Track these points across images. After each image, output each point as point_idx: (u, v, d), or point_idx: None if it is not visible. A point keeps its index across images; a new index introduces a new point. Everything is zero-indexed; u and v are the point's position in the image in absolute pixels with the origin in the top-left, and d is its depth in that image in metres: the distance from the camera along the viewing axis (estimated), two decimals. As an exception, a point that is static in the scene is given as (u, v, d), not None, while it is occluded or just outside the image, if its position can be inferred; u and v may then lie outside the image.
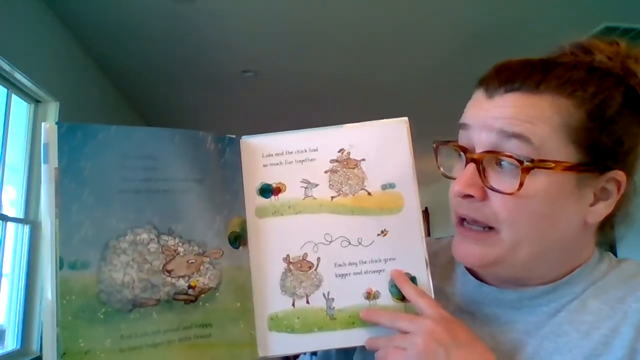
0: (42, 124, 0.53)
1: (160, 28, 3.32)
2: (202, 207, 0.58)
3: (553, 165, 0.54)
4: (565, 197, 0.56)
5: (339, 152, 0.64)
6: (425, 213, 8.22)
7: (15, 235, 2.92)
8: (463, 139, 0.60)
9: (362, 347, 0.69)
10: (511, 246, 0.57)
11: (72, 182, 0.52)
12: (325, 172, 0.64)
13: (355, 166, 0.64)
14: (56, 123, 0.53)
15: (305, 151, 0.64)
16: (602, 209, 0.57)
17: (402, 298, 0.61)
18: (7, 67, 2.66)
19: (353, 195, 0.63)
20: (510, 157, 0.54)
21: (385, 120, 0.65)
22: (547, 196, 0.55)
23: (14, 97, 2.91)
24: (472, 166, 0.57)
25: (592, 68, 0.57)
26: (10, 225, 2.88)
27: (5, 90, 2.83)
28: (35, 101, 3.09)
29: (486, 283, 0.65)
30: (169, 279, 0.55)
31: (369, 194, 0.63)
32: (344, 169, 0.64)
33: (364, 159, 0.64)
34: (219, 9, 3.09)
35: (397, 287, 0.61)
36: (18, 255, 2.91)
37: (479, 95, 0.60)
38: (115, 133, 0.56)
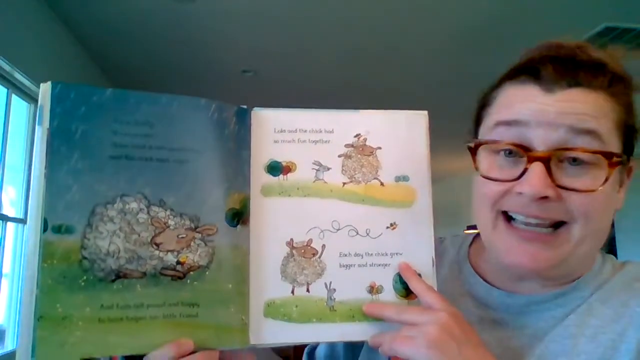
0: (41, 84, 0.51)
1: (160, 28, 3.35)
2: (199, 179, 0.55)
3: (624, 159, 0.56)
4: (615, 189, 0.58)
5: (355, 136, 0.61)
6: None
7: (15, 235, 2.93)
8: (509, 136, 0.57)
9: (367, 352, 0.67)
10: (577, 242, 0.56)
11: (62, 145, 0.51)
12: (339, 156, 0.61)
13: (371, 154, 0.61)
14: (51, 83, 0.51)
15: (321, 131, 0.61)
16: (622, 195, 0.60)
17: (406, 295, 0.59)
18: (7, 67, 2.67)
19: (365, 183, 0.60)
20: (596, 152, 0.53)
21: (405, 110, 0.63)
22: (611, 188, 0.56)
23: (14, 97, 2.92)
24: (540, 165, 0.54)
25: (608, 69, 0.59)
26: (10, 225, 2.88)
27: (5, 90, 2.84)
28: (35, 101, 3.10)
29: (495, 286, 0.64)
30: (157, 252, 0.53)
31: (382, 184, 0.61)
32: (359, 155, 0.61)
33: (380, 147, 0.61)
34: (219, 9, 3.10)
35: (401, 284, 0.59)
36: (18, 255, 2.91)
37: (528, 89, 0.57)
38: (110, 96, 0.53)
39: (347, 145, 0.61)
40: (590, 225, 0.56)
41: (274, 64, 3.93)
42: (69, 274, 0.49)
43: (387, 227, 0.60)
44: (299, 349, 0.79)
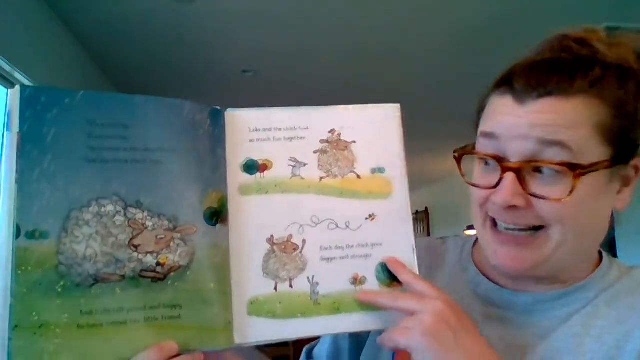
0: (8, 90, 0.51)
1: (160, 28, 3.35)
2: (175, 179, 0.55)
3: (597, 168, 0.55)
4: (602, 192, 0.57)
5: (329, 132, 0.62)
6: (426, 213, 8.26)
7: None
8: (490, 147, 0.59)
9: (371, 347, 0.69)
10: (558, 245, 0.57)
11: (33, 149, 0.50)
12: (315, 152, 0.61)
13: (346, 148, 0.62)
14: (20, 86, 0.51)
15: (295, 129, 0.62)
16: (627, 195, 0.60)
17: (389, 284, 0.59)
18: (7, 67, 2.67)
19: (342, 177, 0.61)
20: (561, 164, 0.54)
21: (377, 104, 0.64)
22: (589, 196, 0.56)
23: (14, 96, 2.92)
24: (511, 176, 0.56)
25: (604, 64, 0.58)
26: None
27: (6, 90, 2.84)
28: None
29: (499, 285, 0.65)
30: (135, 254, 0.52)
31: (359, 176, 0.61)
32: (334, 150, 0.62)
33: (354, 142, 0.62)
34: (219, 9, 3.10)
35: (384, 273, 0.59)
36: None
37: (505, 101, 0.58)
38: (82, 99, 0.53)
39: (322, 141, 0.62)
40: (570, 229, 0.57)
41: (274, 64, 3.93)
42: (44, 281, 0.48)
43: (366, 219, 0.61)
44: (298, 349, 0.80)
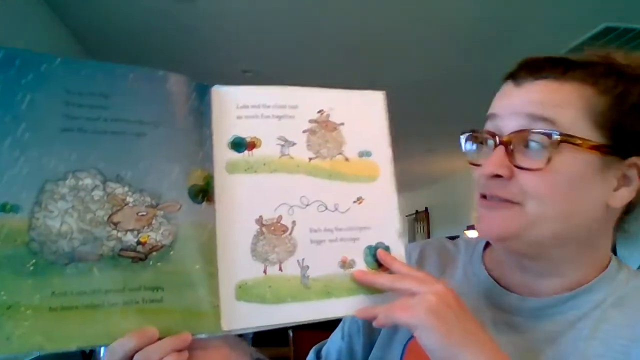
0: None
1: (160, 28, 3.35)
2: (158, 154, 0.51)
3: (580, 142, 0.56)
4: (590, 177, 0.57)
5: (318, 112, 0.61)
6: (426, 213, 8.27)
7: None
8: (491, 127, 0.62)
9: (380, 345, 0.68)
10: (534, 220, 0.57)
11: (6, 114, 0.46)
12: (304, 131, 0.60)
13: (335, 129, 0.61)
14: None
15: (284, 107, 0.60)
16: (625, 194, 0.59)
17: (377, 268, 0.58)
18: (6, 67, 2.66)
19: (331, 159, 0.60)
20: (539, 133, 0.56)
21: (363, 90, 0.65)
22: (573, 173, 0.57)
23: (13, 96, 2.91)
24: (501, 148, 0.58)
25: (611, 66, 0.60)
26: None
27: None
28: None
29: (509, 290, 0.65)
30: (114, 232, 0.48)
31: (347, 159, 0.61)
32: (323, 131, 0.61)
33: (342, 123, 0.62)
34: (219, 9, 3.11)
35: (372, 257, 0.58)
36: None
37: (507, 86, 0.62)
38: (61, 65, 0.49)
39: (311, 121, 0.61)
40: (547, 206, 0.57)
41: (274, 64, 3.92)
42: (14, 258, 0.45)
43: (354, 202, 0.60)
44: (298, 350, 0.78)
